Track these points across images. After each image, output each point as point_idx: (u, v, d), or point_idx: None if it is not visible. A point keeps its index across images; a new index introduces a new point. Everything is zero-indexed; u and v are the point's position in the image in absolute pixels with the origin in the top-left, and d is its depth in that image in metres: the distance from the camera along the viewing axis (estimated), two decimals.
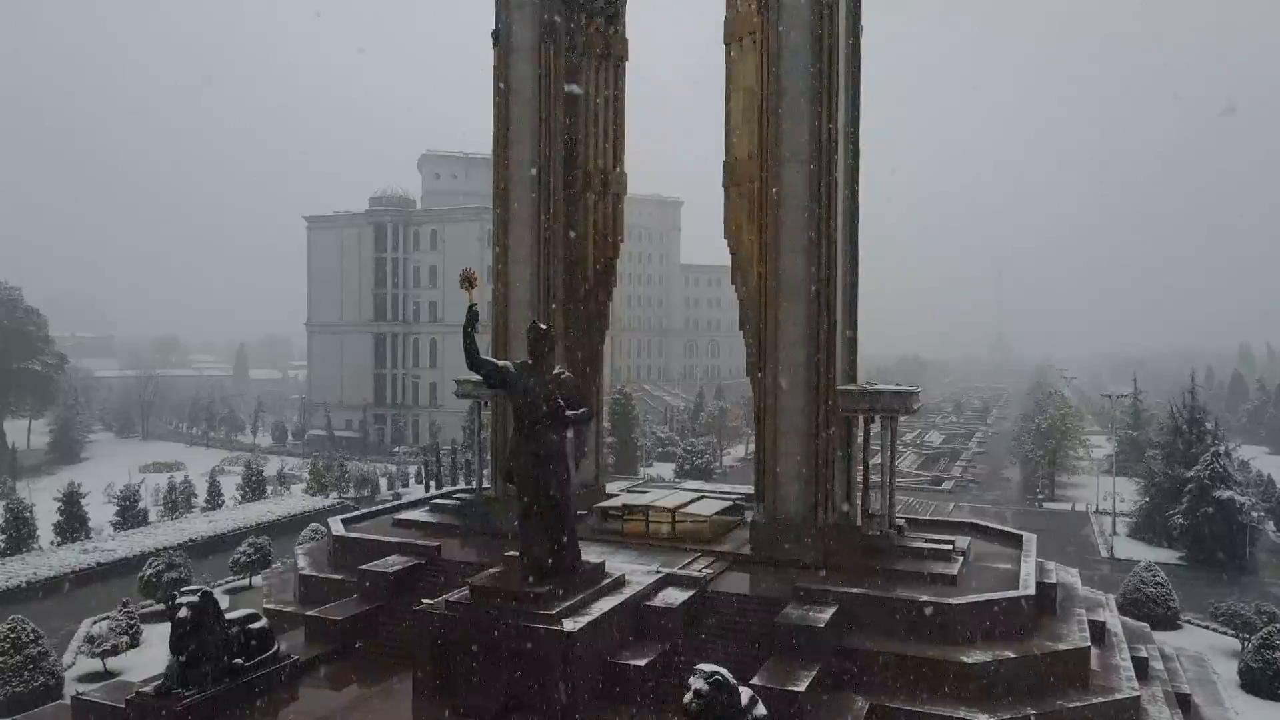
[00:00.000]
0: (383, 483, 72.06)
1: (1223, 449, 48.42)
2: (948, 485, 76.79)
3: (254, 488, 61.43)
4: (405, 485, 72.75)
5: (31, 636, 28.02)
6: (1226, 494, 45.91)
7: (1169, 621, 36.50)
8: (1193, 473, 48.04)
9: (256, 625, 24.57)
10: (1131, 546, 52.17)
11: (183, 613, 22.17)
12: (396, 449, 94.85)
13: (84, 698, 23.33)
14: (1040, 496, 69.76)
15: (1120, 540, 53.91)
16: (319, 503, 60.82)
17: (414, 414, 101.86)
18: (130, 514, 52.13)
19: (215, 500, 58.88)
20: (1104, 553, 50.93)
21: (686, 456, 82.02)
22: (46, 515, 50.09)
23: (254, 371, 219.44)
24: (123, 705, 22.33)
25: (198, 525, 52.77)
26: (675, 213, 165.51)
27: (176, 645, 22.32)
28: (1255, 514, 47.27)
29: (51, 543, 48.09)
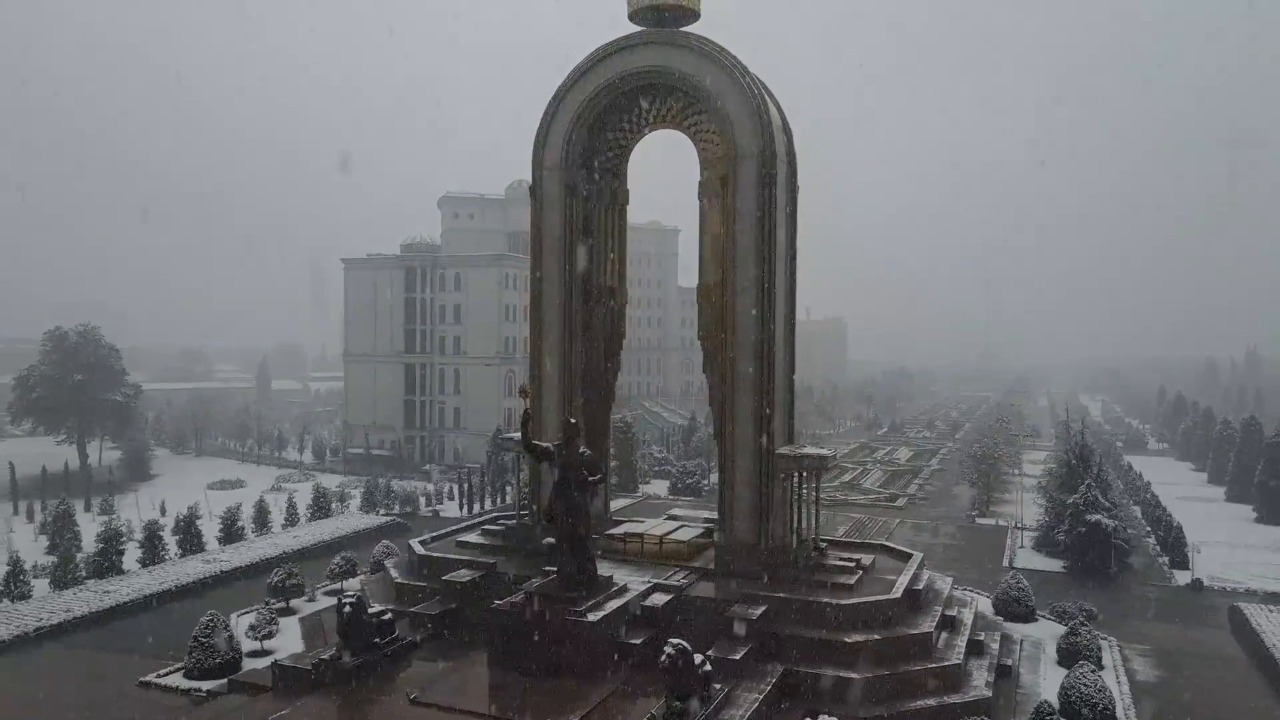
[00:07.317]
0: (421, 500, 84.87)
1: (1094, 481, 61.39)
2: (900, 503, 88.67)
3: (320, 507, 74.39)
4: (440, 502, 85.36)
5: (222, 624, 40.80)
6: (1095, 517, 58.75)
7: (1027, 616, 49.01)
8: (1071, 500, 61.05)
9: (386, 617, 37.50)
10: (1032, 557, 64.74)
11: (347, 608, 35.23)
12: (427, 466, 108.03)
13: (282, 662, 36.13)
14: (975, 513, 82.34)
15: (1025, 552, 66.61)
16: (374, 520, 73.24)
17: (440, 436, 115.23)
18: (232, 530, 65.11)
19: (292, 518, 71.77)
20: (1006, 562, 63.90)
21: (679, 476, 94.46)
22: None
23: (275, 383, 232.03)
24: (309, 667, 35.18)
25: (284, 540, 65.11)
26: (673, 240, 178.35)
27: (342, 629, 35.37)
28: (1121, 534, 60.07)
29: (175, 555, 60.94)
